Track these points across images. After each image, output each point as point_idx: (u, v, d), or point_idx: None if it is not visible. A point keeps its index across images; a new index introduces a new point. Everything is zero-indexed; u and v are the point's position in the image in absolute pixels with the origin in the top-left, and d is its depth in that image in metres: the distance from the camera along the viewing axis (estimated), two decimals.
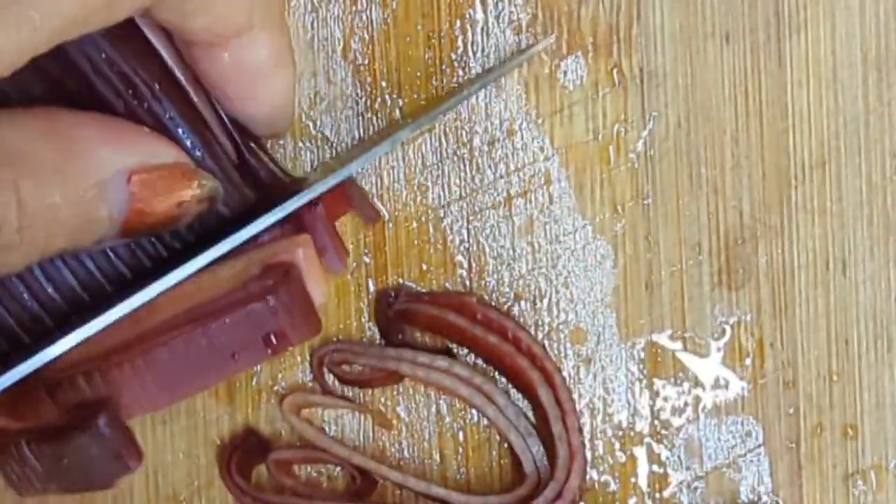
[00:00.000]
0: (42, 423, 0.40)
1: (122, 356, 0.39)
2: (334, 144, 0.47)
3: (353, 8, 0.47)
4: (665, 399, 0.48)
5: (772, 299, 0.48)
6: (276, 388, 0.48)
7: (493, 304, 0.48)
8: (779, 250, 0.48)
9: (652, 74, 0.48)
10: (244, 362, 0.39)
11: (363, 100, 0.48)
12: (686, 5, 0.48)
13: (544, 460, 0.47)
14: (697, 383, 0.48)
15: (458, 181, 0.48)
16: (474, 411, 0.48)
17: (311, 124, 0.47)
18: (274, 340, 0.39)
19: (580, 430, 0.47)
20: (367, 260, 0.48)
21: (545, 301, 0.48)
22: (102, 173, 0.36)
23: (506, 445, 0.48)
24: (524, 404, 0.48)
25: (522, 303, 0.48)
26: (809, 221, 0.48)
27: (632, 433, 0.48)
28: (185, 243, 0.41)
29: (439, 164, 0.48)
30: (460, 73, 0.47)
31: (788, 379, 0.48)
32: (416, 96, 0.47)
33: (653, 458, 0.48)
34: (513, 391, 0.48)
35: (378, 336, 0.48)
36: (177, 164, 0.38)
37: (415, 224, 0.48)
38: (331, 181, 0.42)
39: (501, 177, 0.48)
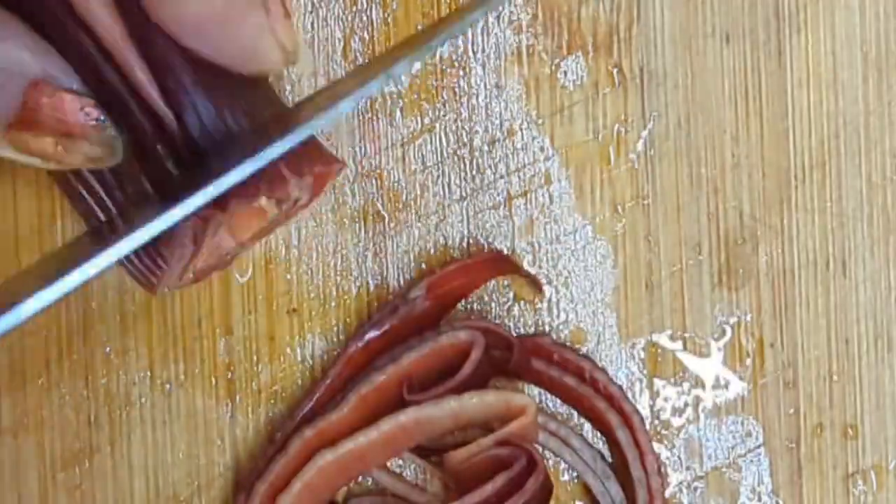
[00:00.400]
0: None
1: None
2: (334, 143, 0.47)
3: (353, 8, 0.47)
4: (665, 399, 0.48)
5: (772, 299, 0.48)
6: (275, 388, 0.48)
7: (494, 303, 0.48)
8: (779, 250, 0.48)
9: (652, 74, 0.48)
10: None
11: (363, 99, 0.47)
12: (686, 5, 0.48)
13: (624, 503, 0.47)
14: (697, 383, 0.48)
15: (458, 181, 0.48)
16: (549, 454, 0.47)
17: None
18: None
19: (659, 472, 0.46)
20: (369, 262, 0.48)
21: (545, 301, 0.48)
22: (9, 64, 0.37)
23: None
24: (602, 446, 0.47)
25: (522, 303, 0.48)
26: (809, 221, 0.48)
27: None
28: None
29: (439, 164, 0.48)
30: (461, 72, 0.47)
31: (788, 379, 0.48)
32: (416, 97, 0.47)
33: None
34: (586, 433, 0.47)
35: None
36: (83, 96, 0.38)
37: (415, 224, 0.48)
38: (320, 121, 0.40)
39: (501, 177, 0.48)
